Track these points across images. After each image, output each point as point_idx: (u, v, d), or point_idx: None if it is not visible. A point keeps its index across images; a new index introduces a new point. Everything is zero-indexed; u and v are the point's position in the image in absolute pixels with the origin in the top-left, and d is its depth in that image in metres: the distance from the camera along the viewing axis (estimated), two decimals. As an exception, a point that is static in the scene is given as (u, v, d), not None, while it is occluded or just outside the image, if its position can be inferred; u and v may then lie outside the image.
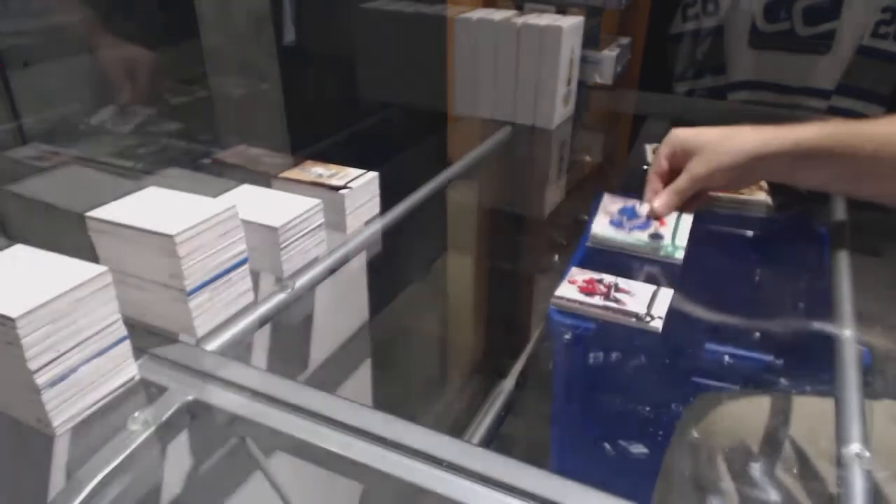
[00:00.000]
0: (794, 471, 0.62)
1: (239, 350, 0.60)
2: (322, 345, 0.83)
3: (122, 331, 0.51)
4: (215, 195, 0.65)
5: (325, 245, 0.72)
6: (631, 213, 0.88)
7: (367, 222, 0.79)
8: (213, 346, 0.58)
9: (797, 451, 0.63)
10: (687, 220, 0.86)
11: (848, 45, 1.74)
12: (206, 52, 0.95)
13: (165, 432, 0.49)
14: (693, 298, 0.82)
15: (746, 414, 0.69)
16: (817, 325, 0.75)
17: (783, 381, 0.73)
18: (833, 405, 0.54)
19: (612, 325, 0.75)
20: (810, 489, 0.60)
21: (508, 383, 0.87)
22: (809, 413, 0.67)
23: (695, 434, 0.70)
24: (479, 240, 1.48)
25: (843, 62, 1.76)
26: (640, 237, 0.85)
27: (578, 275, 0.81)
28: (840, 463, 0.48)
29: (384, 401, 1.08)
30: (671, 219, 0.86)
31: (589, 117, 1.42)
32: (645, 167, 1.10)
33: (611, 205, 0.90)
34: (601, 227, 0.88)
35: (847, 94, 1.78)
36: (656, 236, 0.85)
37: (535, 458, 0.95)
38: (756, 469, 0.65)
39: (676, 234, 0.84)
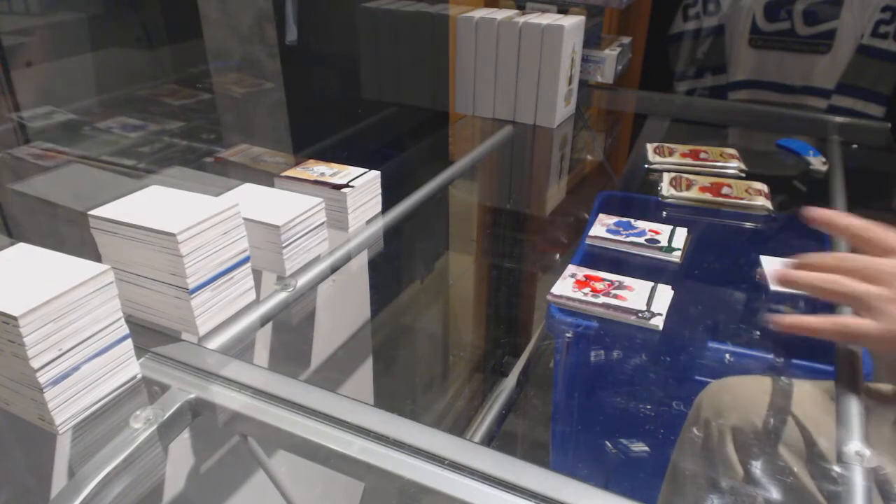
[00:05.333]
0: (799, 451, 0.62)
1: (241, 348, 0.60)
2: (324, 343, 0.83)
3: (124, 329, 0.51)
4: (217, 194, 0.65)
5: (327, 244, 0.72)
6: (626, 226, 0.91)
7: (369, 221, 0.79)
8: (214, 344, 0.58)
9: (802, 431, 0.63)
10: (681, 231, 0.89)
11: (848, 44, 1.75)
12: (209, 52, 0.95)
13: (167, 430, 0.50)
14: (694, 297, 0.82)
15: (755, 395, 0.69)
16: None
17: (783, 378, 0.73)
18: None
19: (612, 322, 0.75)
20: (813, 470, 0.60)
21: (510, 382, 0.87)
22: (812, 394, 0.67)
23: (706, 414, 0.70)
24: (480, 238, 1.48)
25: (843, 61, 1.76)
26: (637, 241, 0.88)
27: (577, 272, 0.82)
28: (840, 461, 0.48)
29: (386, 399, 1.08)
30: (666, 228, 0.90)
31: (590, 116, 1.43)
32: (646, 166, 1.10)
33: (606, 219, 0.93)
34: (599, 233, 0.90)
35: (847, 93, 1.78)
36: (652, 241, 0.87)
37: (536, 456, 0.95)
38: (762, 447, 0.65)
39: (672, 239, 0.88)
